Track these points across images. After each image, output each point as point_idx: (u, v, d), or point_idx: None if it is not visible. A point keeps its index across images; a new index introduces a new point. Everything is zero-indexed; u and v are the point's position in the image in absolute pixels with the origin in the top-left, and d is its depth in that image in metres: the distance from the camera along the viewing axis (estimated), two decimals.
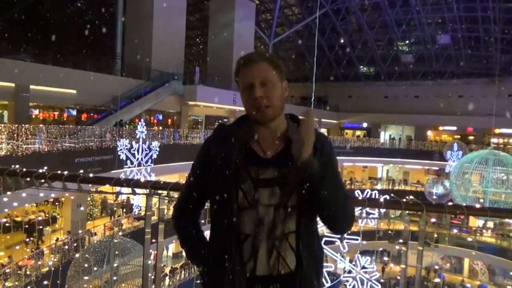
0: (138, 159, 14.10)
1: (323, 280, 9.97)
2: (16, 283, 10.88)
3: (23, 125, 13.39)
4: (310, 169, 1.25)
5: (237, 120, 1.47)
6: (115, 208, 20.48)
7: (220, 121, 26.33)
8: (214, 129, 1.46)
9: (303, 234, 1.35)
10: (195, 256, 1.49)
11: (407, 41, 36.95)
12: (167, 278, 16.15)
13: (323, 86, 38.88)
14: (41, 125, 15.17)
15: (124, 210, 19.39)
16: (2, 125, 13.57)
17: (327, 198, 1.29)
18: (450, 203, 2.13)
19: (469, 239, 19.66)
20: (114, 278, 4.75)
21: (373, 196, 11.54)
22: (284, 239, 1.34)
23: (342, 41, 37.05)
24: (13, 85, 16.56)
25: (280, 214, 1.33)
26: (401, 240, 2.30)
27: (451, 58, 34.47)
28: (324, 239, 9.27)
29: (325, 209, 1.33)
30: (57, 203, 20.01)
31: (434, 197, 16.01)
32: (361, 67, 39.78)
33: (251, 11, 30.57)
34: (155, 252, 2.68)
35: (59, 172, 2.44)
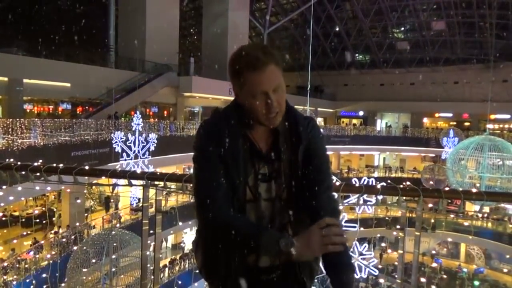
0: (134, 151, 14.01)
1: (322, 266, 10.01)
2: (15, 276, 10.90)
3: (17, 119, 13.28)
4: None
5: (233, 107, 1.36)
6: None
7: None
8: (213, 116, 1.37)
9: (297, 223, 1.36)
10: (268, 241, 1.18)
11: (402, 28, 36.74)
12: (166, 269, 16.24)
13: (319, 75, 38.76)
14: (35, 119, 15.04)
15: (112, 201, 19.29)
16: None
17: None
18: (446, 188, 2.14)
19: (466, 223, 19.84)
20: (113, 269, 4.77)
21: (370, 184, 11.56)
22: (283, 230, 1.36)
23: (337, 29, 36.79)
24: (6, 79, 16.38)
25: (277, 207, 1.36)
26: (398, 226, 2.31)
27: (446, 44, 34.34)
28: None
29: None
30: (54, 196, 19.95)
31: (431, 183, 16.10)
32: (357, 55, 39.59)
33: (245, 0, 30.24)
34: (154, 243, 2.68)
35: (54, 165, 2.42)
